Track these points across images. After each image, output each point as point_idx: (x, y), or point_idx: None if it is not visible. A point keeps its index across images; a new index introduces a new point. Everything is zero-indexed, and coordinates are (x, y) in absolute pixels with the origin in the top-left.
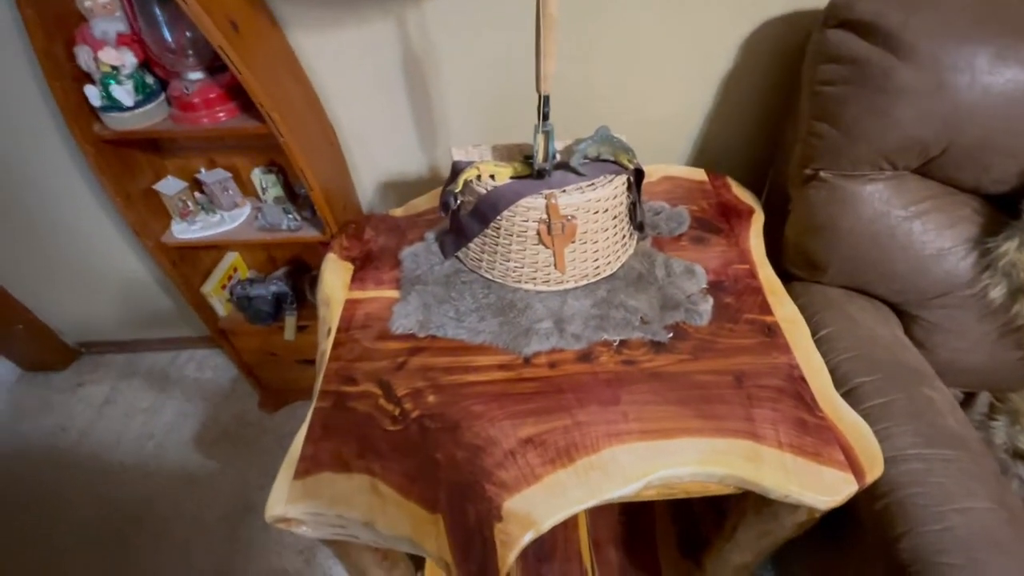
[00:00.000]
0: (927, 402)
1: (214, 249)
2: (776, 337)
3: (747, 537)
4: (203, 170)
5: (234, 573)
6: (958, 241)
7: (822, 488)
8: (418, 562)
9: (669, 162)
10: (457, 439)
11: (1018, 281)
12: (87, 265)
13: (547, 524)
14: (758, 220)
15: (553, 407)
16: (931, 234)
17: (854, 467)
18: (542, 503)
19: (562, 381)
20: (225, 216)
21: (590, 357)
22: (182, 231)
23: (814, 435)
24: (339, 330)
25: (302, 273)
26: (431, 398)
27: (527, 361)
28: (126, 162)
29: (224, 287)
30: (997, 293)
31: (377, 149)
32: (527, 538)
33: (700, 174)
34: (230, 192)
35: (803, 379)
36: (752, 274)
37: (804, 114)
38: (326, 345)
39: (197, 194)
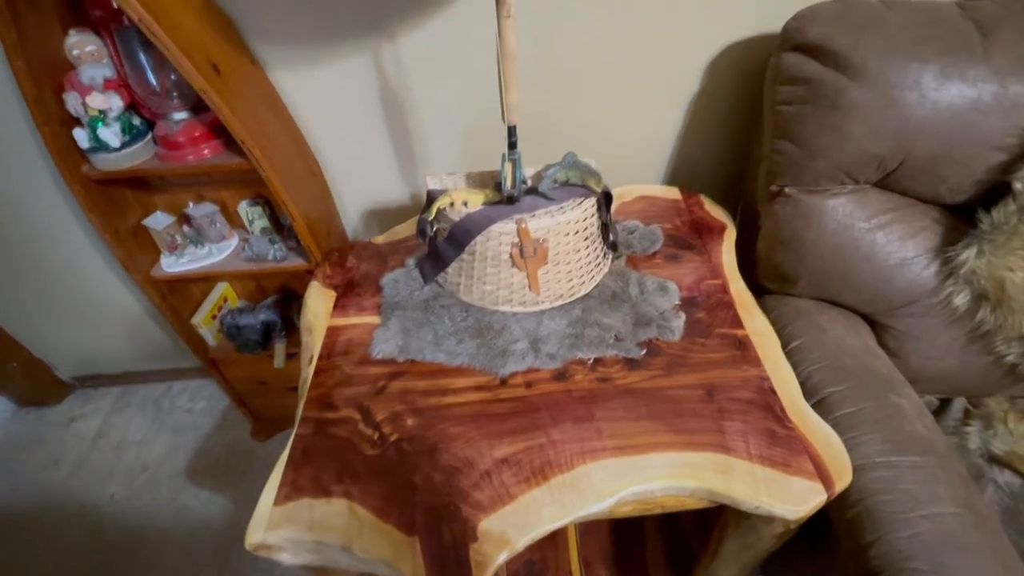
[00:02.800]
0: (896, 409)
1: (203, 281)
2: (747, 350)
3: (731, 551)
4: (191, 204)
5: None
6: (920, 251)
7: (791, 498)
8: None
9: (645, 182)
10: (434, 461)
11: (979, 288)
12: (81, 299)
13: (521, 543)
14: (730, 236)
15: (528, 426)
16: (894, 244)
17: (823, 476)
18: (517, 523)
19: (537, 400)
20: (213, 248)
21: (565, 376)
22: (171, 264)
23: (783, 446)
24: (321, 357)
25: (291, 301)
26: (409, 421)
27: (503, 382)
28: (115, 200)
29: (214, 317)
30: (961, 300)
31: (360, 178)
32: (502, 558)
33: (674, 192)
34: (218, 225)
35: (773, 391)
36: (724, 289)
37: (767, 133)
38: (308, 372)
39: (185, 227)
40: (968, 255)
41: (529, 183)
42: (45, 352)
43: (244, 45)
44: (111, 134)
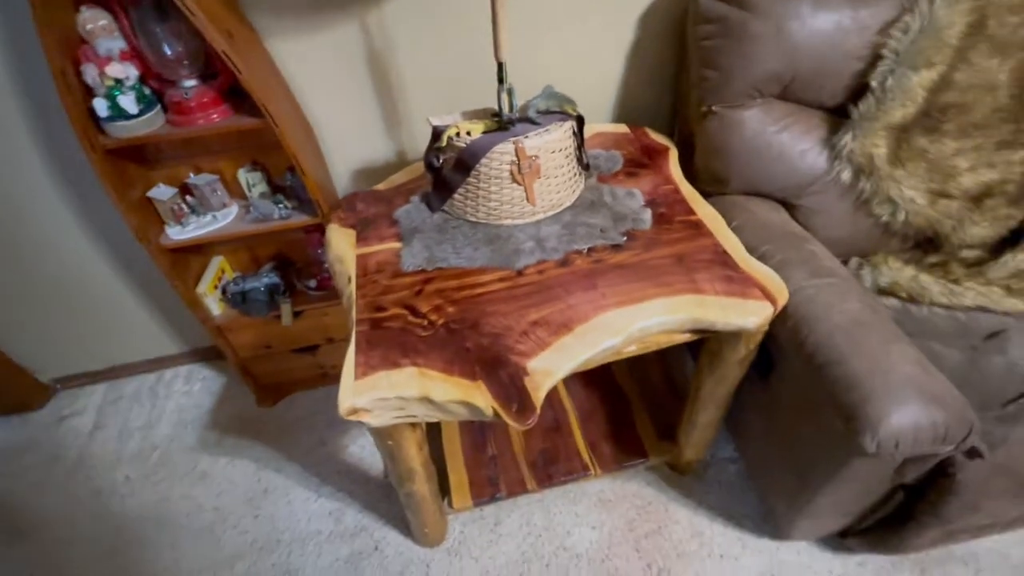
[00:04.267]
0: (811, 253)
1: (201, 255)
2: (701, 229)
3: (707, 391)
4: (192, 175)
5: (269, 545)
6: (814, 143)
7: (750, 313)
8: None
9: (597, 122)
10: (479, 331)
11: (857, 163)
12: (58, 295)
13: (562, 372)
14: (674, 154)
15: (548, 299)
16: (795, 140)
17: (769, 297)
18: (556, 359)
19: (550, 281)
20: (216, 215)
21: (568, 263)
22: (177, 233)
23: (738, 284)
24: (358, 276)
25: (286, 267)
26: (450, 309)
27: (520, 273)
28: (122, 173)
29: (216, 287)
30: (846, 176)
31: (349, 140)
32: (550, 383)
33: (623, 128)
34: (219, 193)
35: (725, 252)
36: (676, 191)
37: (693, 65)
38: (350, 289)
39: (188, 198)
40: (846, 139)
41: (517, 114)
42: (23, 355)
43: (245, 16)
44: (129, 101)
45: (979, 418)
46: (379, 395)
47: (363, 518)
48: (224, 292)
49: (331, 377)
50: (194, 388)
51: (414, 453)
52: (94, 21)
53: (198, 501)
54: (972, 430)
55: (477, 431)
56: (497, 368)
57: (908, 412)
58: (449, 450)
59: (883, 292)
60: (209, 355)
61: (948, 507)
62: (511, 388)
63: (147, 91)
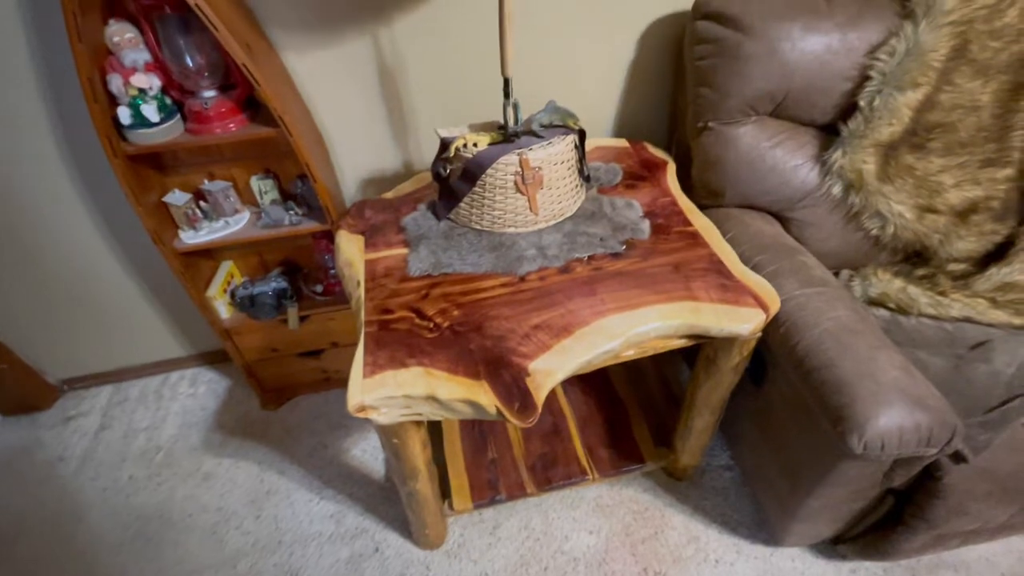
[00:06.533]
0: (802, 263)
1: (211, 259)
2: (697, 239)
3: (702, 396)
4: (206, 182)
5: (271, 545)
6: (806, 158)
7: (744, 320)
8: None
9: (598, 136)
10: (483, 333)
11: (847, 179)
12: (70, 298)
13: (563, 373)
14: (672, 168)
15: (549, 304)
16: (788, 156)
17: (761, 305)
18: (557, 360)
19: (551, 287)
20: (229, 221)
21: (568, 270)
22: (190, 237)
23: (732, 292)
24: (366, 280)
25: (294, 273)
26: (455, 312)
27: (522, 279)
28: (140, 178)
29: (225, 291)
30: (836, 190)
31: (358, 150)
32: (550, 384)
33: (623, 142)
34: (231, 199)
35: (720, 261)
36: (674, 203)
37: (690, 84)
38: (359, 292)
39: (201, 203)
40: (836, 155)
41: (522, 127)
42: (32, 355)
43: (263, 31)
44: (151, 110)
45: (964, 424)
46: (387, 393)
47: (364, 520)
48: (233, 296)
49: (334, 381)
50: (199, 391)
51: (418, 451)
52: (121, 34)
53: (201, 501)
54: (955, 433)
55: (477, 435)
56: (500, 369)
57: (893, 414)
58: (450, 453)
59: (873, 303)
60: (214, 359)
61: (935, 510)
62: (513, 388)
63: (168, 101)
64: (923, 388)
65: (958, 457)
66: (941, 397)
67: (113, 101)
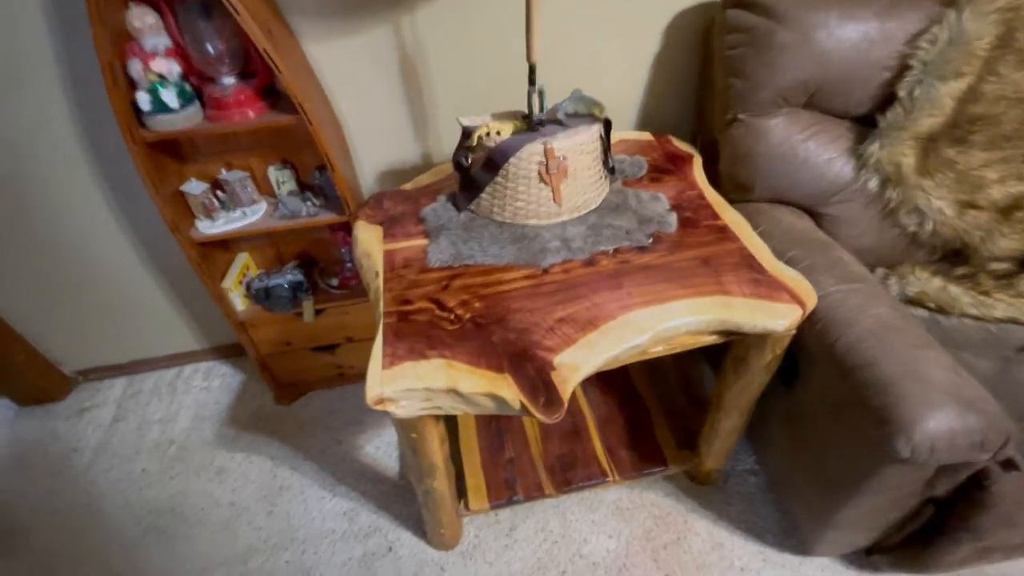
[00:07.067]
0: (837, 259)
1: (227, 251)
2: (727, 233)
3: (730, 398)
4: (224, 171)
5: (283, 542)
6: (841, 151)
7: (778, 316)
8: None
9: (621, 129)
10: (506, 326)
11: (884, 173)
12: (86, 290)
13: (588, 367)
14: (698, 161)
15: (574, 297)
16: (821, 149)
17: (797, 301)
18: (582, 355)
19: (576, 280)
20: (246, 211)
21: (593, 263)
22: (207, 227)
23: (766, 287)
24: (385, 271)
25: (310, 266)
26: (477, 304)
27: (545, 271)
28: (158, 166)
29: (240, 283)
30: (873, 184)
31: (377, 140)
32: (577, 378)
33: (647, 135)
34: (249, 189)
35: (751, 255)
36: (701, 196)
37: (719, 74)
38: (378, 283)
39: (218, 193)
40: (874, 148)
41: (546, 116)
42: (48, 346)
43: (283, 17)
44: (170, 96)
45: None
46: (407, 385)
47: (377, 519)
48: (248, 288)
49: (348, 377)
50: (213, 384)
51: (437, 447)
52: (142, 18)
53: (214, 496)
54: (1009, 439)
55: (494, 434)
56: (524, 362)
57: (943, 417)
58: (466, 452)
59: (910, 302)
60: (228, 352)
61: (982, 521)
62: (538, 382)
63: (188, 87)
64: (974, 390)
65: (1009, 464)
66: (993, 400)
67: (133, 86)
